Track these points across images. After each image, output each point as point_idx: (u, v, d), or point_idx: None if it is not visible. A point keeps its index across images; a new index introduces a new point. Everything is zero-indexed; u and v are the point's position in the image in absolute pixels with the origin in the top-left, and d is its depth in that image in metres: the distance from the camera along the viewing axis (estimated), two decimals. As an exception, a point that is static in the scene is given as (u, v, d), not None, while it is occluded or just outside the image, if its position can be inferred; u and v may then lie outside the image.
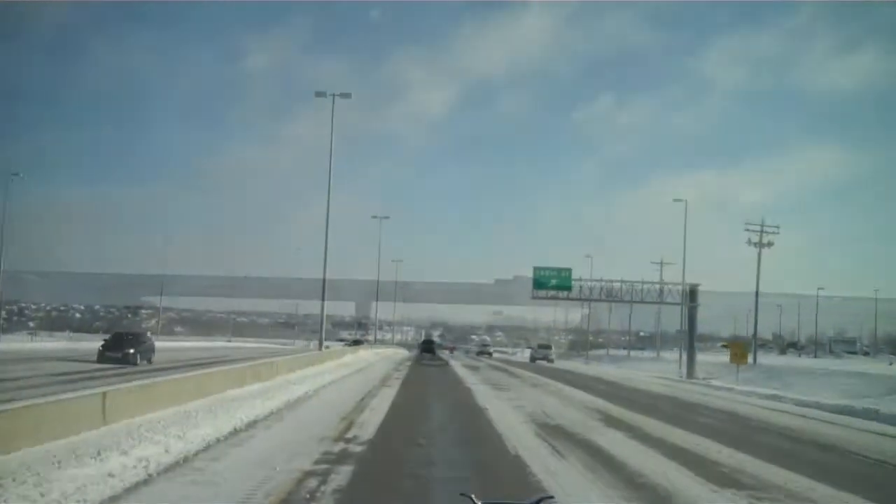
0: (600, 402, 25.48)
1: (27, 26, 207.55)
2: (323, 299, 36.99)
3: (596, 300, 62.48)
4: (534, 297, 62.01)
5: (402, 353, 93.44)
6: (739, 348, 39.46)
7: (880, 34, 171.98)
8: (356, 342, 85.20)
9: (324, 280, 37.15)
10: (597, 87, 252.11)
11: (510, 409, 22.06)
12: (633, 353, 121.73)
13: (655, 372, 66.13)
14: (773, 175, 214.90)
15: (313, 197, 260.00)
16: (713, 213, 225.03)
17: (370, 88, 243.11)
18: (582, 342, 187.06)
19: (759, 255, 61.50)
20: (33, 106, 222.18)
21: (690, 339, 62.16)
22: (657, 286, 62.05)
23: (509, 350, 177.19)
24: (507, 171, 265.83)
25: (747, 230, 61.91)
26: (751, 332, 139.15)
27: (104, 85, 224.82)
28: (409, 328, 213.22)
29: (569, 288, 61.14)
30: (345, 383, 29.80)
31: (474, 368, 47.60)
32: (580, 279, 61.66)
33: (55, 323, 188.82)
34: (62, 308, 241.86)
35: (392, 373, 38.04)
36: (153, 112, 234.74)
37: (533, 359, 78.92)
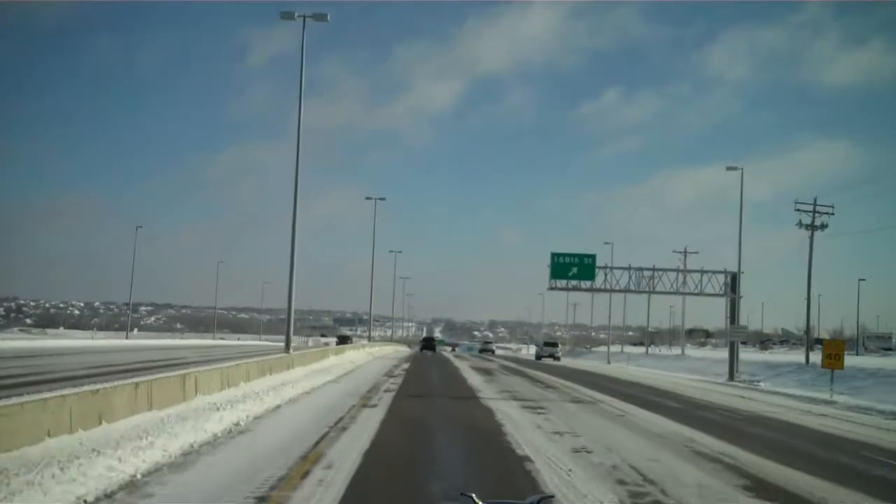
0: (699, 437, 15.96)
1: (27, 25, 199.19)
2: (290, 291, 27.51)
3: (623, 291, 52.94)
4: (551, 288, 52.43)
5: (403, 350, 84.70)
6: (838, 349, 29.48)
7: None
8: (342, 339, 75.42)
9: (291, 265, 27.68)
10: (603, 82, 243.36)
11: (569, 457, 12.57)
12: (631, 349, 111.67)
13: (686, 372, 56.75)
14: (778, 170, 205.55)
15: (318, 193, 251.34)
16: (714, 210, 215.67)
17: (377, 85, 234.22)
18: (586, 338, 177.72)
19: (812, 237, 51.95)
20: (34, 105, 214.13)
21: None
22: (688, 275, 52.46)
23: (513, 347, 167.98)
24: (509, 167, 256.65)
25: (798, 210, 52.35)
26: (765, 327, 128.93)
27: (103, 85, 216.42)
28: (410, 324, 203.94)
29: (592, 277, 51.61)
30: (311, 402, 20.33)
31: (486, 372, 38.05)
32: (606, 266, 52.18)
33: (53, 319, 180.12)
34: (62, 304, 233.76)
35: (383, 381, 28.54)
36: (154, 110, 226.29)
37: (539, 356, 73.99)
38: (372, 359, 48.68)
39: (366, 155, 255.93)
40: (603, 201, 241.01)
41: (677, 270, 52.53)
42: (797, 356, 78.32)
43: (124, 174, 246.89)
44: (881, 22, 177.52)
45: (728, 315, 54.15)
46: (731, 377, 49.51)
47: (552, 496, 5.00)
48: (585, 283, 52.21)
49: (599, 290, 53.31)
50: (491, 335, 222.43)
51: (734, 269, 52.43)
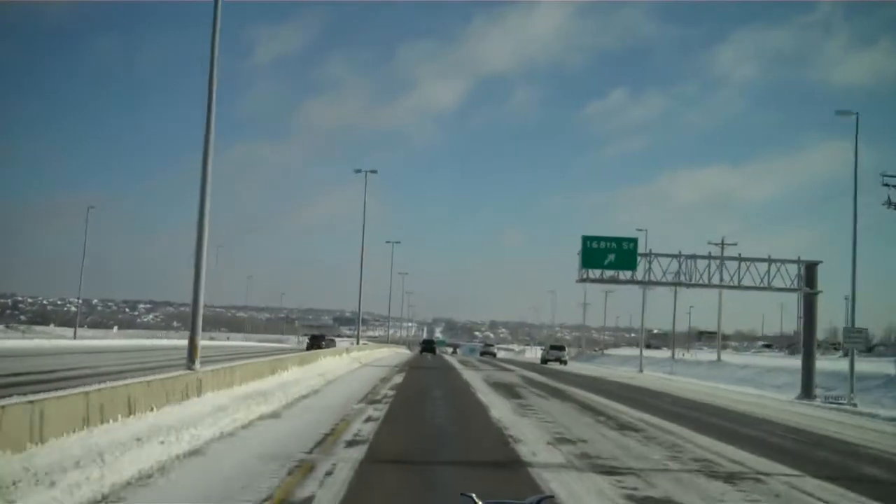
0: None
1: (28, 24, 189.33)
2: (197, 276, 16.11)
3: (672, 284, 41.42)
4: (582, 279, 40.98)
5: (402, 353, 73.95)
6: None
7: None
8: (314, 340, 60.65)
9: (199, 244, 16.25)
10: (609, 81, 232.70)
11: None
12: (649, 353, 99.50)
13: (737, 384, 45.48)
14: (784, 170, 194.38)
15: (319, 193, 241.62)
16: (718, 210, 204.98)
17: (380, 85, 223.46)
18: (588, 340, 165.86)
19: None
20: (34, 104, 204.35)
21: (808, 342, 41.19)
22: (751, 265, 40.81)
23: (516, 348, 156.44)
24: (512, 167, 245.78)
25: (886, 185, 40.85)
26: (789, 328, 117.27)
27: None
28: (411, 324, 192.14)
29: (633, 266, 40.17)
30: (165, 489, 8.85)
31: (510, 391, 26.37)
32: (649, 253, 40.69)
33: (48, 317, 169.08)
34: (59, 301, 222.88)
35: (355, 416, 16.94)
36: (155, 109, 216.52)
37: (544, 360, 68.21)
38: (358, 367, 37.24)
39: (368, 154, 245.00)
40: (606, 201, 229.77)
41: (738, 259, 40.95)
42: (841, 364, 66.82)
43: (125, 173, 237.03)
44: (887, 22, 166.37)
45: (802, 315, 42.83)
46: (808, 393, 38.19)
47: (552, 496, 4.83)
48: (624, 274, 40.75)
49: (642, 282, 41.79)
50: (492, 336, 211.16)
51: (807, 258, 41.11)
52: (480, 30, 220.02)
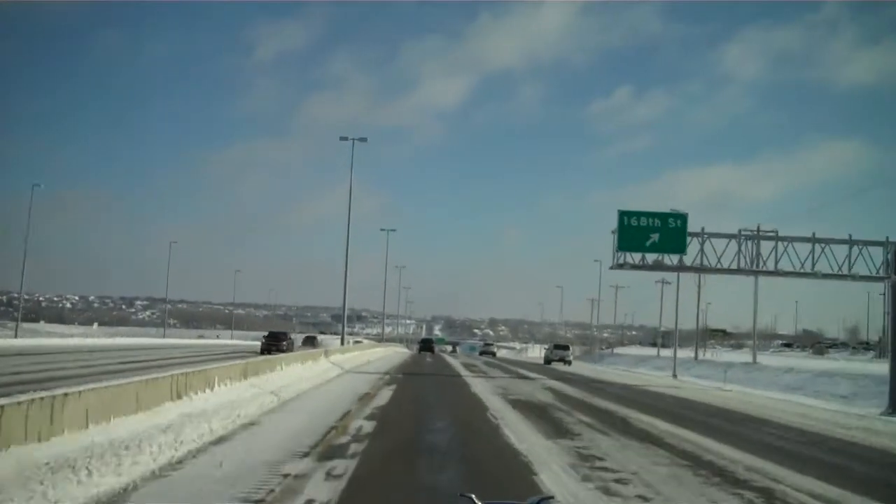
0: None
1: (32, 20, 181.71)
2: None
3: (732, 271, 32.62)
4: (618, 265, 32.21)
5: (400, 353, 65.84)
6: None
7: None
8: (273, 339, 43.69)
9: None
10: (614, 80, 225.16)
11: None
12: (665, 353, 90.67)
13: (786, 391, 36.86)
14: (787, 170, 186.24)
15: (322, 192, 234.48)
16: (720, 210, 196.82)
17: (384, 83, 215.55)
18: (587, 338, 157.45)
19: None
20: (35, 103, 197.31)
21: (898, 340, 32.49)
22: (826, 248, 32.11)
23: (517, 346, 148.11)
24: (514, 166, 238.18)
25: None
26: (808, 325, 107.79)
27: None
28: (409, 321, 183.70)
29: (682, 249, 31.56)
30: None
31: (549, 421, 17.35)
32: (702, 233, 32.06)
33: (43, 313, 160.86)
34: (56, 298, 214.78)
35: (281, 501, 8.22)
36: (157, 107, 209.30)
37: (548, 360, 64.20)
38: (336, 375, 28.50)
39: (370, 153, 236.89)
40: (609, 200, 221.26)
41: (812, 240, 32.23)
42: (879, 366, 58.35)
43: (125, 172, 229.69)
44: (892, 21, 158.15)
45: (890, 309, 34.24)
46: (896, 405, 29.45)
47: (552, 496, 4.68)
48: (671, 259, 32.11)
49: (694, 268, 33.09)
50: (492, 334, 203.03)
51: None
52: (486, 27, 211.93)
